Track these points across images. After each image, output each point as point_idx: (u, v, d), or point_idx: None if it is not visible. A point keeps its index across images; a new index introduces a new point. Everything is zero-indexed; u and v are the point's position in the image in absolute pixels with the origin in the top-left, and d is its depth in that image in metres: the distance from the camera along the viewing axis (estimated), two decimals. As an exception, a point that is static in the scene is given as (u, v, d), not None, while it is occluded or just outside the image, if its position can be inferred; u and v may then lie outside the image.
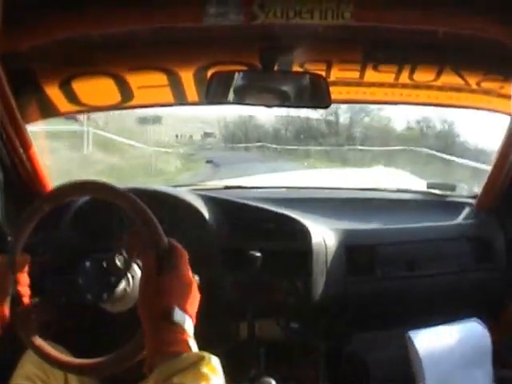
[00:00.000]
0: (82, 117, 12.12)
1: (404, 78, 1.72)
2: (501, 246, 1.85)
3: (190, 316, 0.90)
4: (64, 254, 1.52)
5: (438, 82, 1.75)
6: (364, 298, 1.80)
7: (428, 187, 2.21)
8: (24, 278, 1.02)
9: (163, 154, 16.74)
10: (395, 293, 1.83)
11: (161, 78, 1.69)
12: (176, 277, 0.92)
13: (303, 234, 1.67)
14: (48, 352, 1.03)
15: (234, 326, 1.74)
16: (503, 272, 1.85)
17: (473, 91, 1.80)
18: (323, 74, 1.67)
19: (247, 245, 1.59)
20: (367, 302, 1.82)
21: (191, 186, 2.15)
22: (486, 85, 1.74)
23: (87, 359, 1.02)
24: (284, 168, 12.08)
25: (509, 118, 1.69)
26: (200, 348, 0.88)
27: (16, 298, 1.02)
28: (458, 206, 2.05)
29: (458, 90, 1.80)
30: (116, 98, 1.77)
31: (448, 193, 2.16)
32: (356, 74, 1.73)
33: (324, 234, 1.72)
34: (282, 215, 1.71)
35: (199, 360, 0.82)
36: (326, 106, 1.56)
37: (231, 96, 1.54)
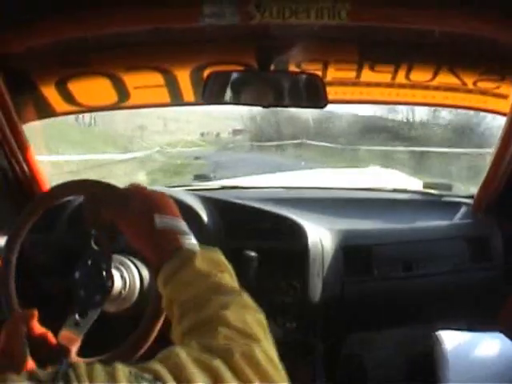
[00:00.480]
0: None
1: (400, 77, 1.72)
2: (498, 246, 1.85)
3: (174, 216, 0.92)
4: (60, 254, 1.52)
5: (435, 82, 1.75)
6: (361, 298, 1.80)
7: (424, 187, 2.22)
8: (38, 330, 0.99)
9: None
10: (392, 293, 1.83)
11: (157, 78, 1.69)
12: (144, 199, 0.93)
13: (300, 234, 1.67)
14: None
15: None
16: (501, 271, 1.85)
17: (469, 91, 1.80)
18: (320, 73, 1.67)
19: (244, 245, 1.59)
20: (364, 302, 1.82)
21: (187, 187, 2.15)
22: (482, 85, 1.74)
23: (87, 358, 1.01)
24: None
25: (504, 118, 1.69)
26: None
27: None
28: (454, 206, 2.05)
29: (454, 89, 1.80)
30: (112, 98, 1.77)
31: (444, 192, 2.17)
32: (352, 74, 1.73)
33: (321, 234, 1.72)
34: (279, 215, 1.71)
35: (191, 258, 0.83)
36: (323, 106, 1.56)
37: (228, 96, 1.54)
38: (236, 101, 1.57)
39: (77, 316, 1.04)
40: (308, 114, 18.29)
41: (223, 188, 2.22)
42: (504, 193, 1.81)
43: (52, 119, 1.83)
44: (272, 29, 1.40)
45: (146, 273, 1.19)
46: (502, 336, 1.68)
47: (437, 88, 1.80)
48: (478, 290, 1.87)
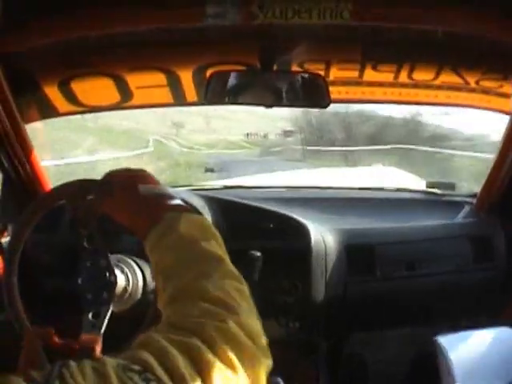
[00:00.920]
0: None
1: (403, 77, 1.72)
2: (501, 245, 1.85)
3: (155, 185, 0.92)
4: (63, 254, 1.52)
5: (437, 81, 1.75)
6: (364, 298, 1.80)
7: (427, 186, 2.21)
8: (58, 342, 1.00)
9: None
10: (395, 292, 1.82)
11: (160, 78, 1.69)
12: (121, 180, 0.94)
13: (303, 233, 1.67)
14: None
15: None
16: (503, 271, 1.85)
17: (472, 90, 1.80)
18: (322, 73, 1.67)
19: (247, 245, 1.59)
20: (367, 302, 1.82)
21: (190, 187, 2.15)
22: (485, 84, 1.74)
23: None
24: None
25: (508, 116, 1.69)
26: None
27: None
28: (457, 205, 2.05)
29: (457, 88, 1.80)
30: (115, 98, 1.77)
31: (447, 192, 2.16)
32: (355, 74, 1.72)
33: (323, 234, 1.72)
34: (282, 215, 1.71)
35: (177, 219, 0.82)
36: (325, 106, 1.56)
37: (230, 96, 1.54)
38: (238, 101, 1.57)
39: (90, 318, 1.05)
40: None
41: (226, 188, 2.22)
42: (507, 192, 1.81)
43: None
44: (275, 29, 1.40)
45: (149, 272, 1.20)
46: (504, 336, 1.68)
47: (439, 87, 1.80)
48: (481, 290, 1.87)
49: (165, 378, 0.57)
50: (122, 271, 1.14)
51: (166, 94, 1.79)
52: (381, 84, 1.80)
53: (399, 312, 1.88)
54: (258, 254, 1.55)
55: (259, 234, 1.66)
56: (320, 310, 1.71)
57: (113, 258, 1.14)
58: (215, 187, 2.31)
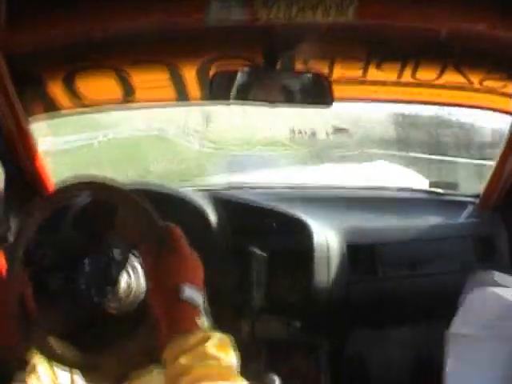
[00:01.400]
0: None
1: (407, 76, 1.72)
2: (504, 245, 1.85)
3: (199, 289, 0.92)
4: (66, 254, 1.52)
5: (441, 81, 1.75)
6: (366, 297, 1.80)
7: (430, 186, 2.21)
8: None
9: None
10: (397, 292, 1.82)
11: (163, 76, 1.68)
12: (179, 255, 0.95)
13: (305, 232, 1.67)
14: (55, 350, 1.04)
15: (236, 324, 1.74)
16: (506, 271, 1.85)
17: (476, 90, 1.79)
18: (326, 71, 1.67)
19: (250, 244, 1.59)
20: (369, 301, 1.82)
21: (195, 186, 2.15)
22: (488, 83, 1.73)
23: (91, 359, 1.02)
24: None
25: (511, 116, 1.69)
26: None
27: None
28: (460, 205, 2.04)
29: (460, 88, 1.80)
30: (118, 95, 1.77)
31: (450, 191, 2.16)
32: (359, 72, 1.72)
33: (326, 233, 1.72)
34: (285, 214, 1.71)
35: (204, 340, 0.83)
36: (329, 105, 1.56)
37: (234, 94, 1.54)
38: (242, 98, 1.57)
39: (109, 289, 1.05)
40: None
41: (230, 187, 2.22)
42: (510, 192, 1.81)
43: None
44: (278, 27, 1.39)
45: None
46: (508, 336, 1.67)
47: (443, 87, 1.79)
48: None
49: None
50: (126, 270, 1.14)
51: (169, 92, 1.79)
52: (384, 83, 1.80)
53: (401, 312, 1.87)
54: (263, 252, 1.55)
55: (262, 232, 1.66)
56: (322, 308, 1.71)
57: (115, 256, 1.13)
58: (219, 186, 2.31)
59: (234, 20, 1.30)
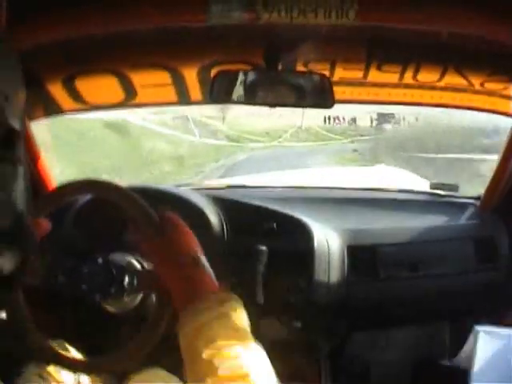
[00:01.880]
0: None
1: (408, 78, 1.72)
2: (505, 247, 1.85)
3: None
4: (67, 253, 1.52)
5: (442, 83, 1.75)
6: (366, 298, 1.80)
7: (431, 188, 2.21)
8: None
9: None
10: (397, 293, 1.82)
11: (164, 77, 1.69)
12: (185, 233, 1.00)
13: (306, 233, 1.67)
14: (58, 352, 1.04)
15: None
16: (507, 273, 1.85)
17: (476, 92, 1.80)
18: (327, 73, 1.67)
19: (250, 244, 1.59)
20: (369, 302, 1.82)
21: (194, 186, 2.15)
22: (489, 86, 1.73)
23: (94, 357, 1.02)
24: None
25: (512, 119, 1.69)
26: None
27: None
28: (461, 207, 2.04)
29: (461, 90, 1.80)
30: (119, 96, 1.77)
31: (451, 193, 2.16)
32: (360, 74, 1.72)
33: (326, 234, 1.72)
34: (285, 215, 1.71)
35: (224, 300, 0.88)
36: (330, 106, 1.56)
37: (235, 95, 1.54)
38: (243, 100, 1.57)
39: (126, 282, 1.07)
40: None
41: (230, 187, 2.22)
42: (511, 193, 1.81)
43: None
44: (279, 28, 1.39)
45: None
46: (508, 337, 1.67)
47: (444, 89, 1.80)
48: (484, 291, 1.86)
49: None
50: (126, 269, 1.14)
51: (170, 93, 1.79)
52: (385, 85, 1.80)
53: (402, 313, 1.87)
54: (264, 248, 1.55)
55: (262, 233, 1.66)
56: (322, 309, 1.71)
57: (116, 256, 1.14)
58: (219, 186, 2.31)
59: (235, 22, 1.31)
